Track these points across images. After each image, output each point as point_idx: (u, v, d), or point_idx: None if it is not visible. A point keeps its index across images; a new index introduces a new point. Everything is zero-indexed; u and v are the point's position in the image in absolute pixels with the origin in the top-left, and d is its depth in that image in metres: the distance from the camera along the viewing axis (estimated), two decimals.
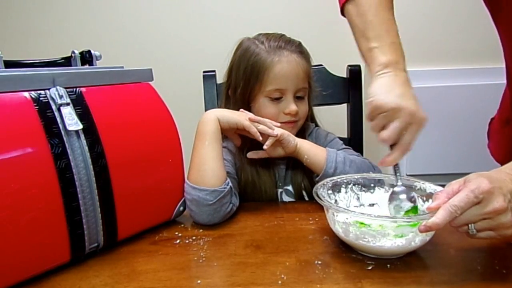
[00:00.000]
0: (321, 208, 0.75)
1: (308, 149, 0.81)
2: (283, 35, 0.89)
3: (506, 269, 0.54)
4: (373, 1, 0.69)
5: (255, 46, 0.86)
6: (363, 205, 0.71)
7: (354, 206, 0.71)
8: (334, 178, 0.71)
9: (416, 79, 1.37)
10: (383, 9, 0.68)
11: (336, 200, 0.70)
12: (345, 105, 1.10)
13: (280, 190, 0.90)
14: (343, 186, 0.71)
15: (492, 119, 0.95)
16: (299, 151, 0.81)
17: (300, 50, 0.87)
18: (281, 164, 0.90)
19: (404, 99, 0.62)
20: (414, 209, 0.63)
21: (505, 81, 0.85)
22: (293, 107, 0.84)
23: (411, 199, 0.64)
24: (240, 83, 0.86)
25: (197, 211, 0.71)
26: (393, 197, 0.65)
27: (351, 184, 0.71)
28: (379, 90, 0.63)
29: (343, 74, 1.10)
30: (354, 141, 1.06)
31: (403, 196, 0.64)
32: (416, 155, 1.41)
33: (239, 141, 0.84)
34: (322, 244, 0.64)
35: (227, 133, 0.80)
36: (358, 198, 0.71)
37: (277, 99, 0.84)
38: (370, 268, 0.56)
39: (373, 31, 0.68)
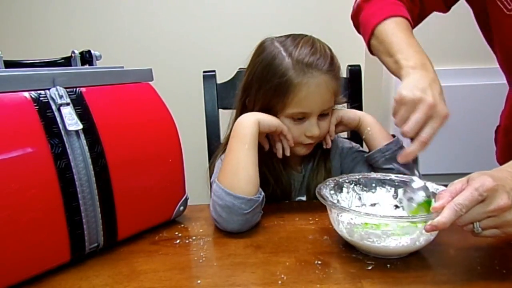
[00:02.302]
0: (321, 208, 0.75)
1: (373, 122, 0.83)
2: (314, 43, 0.78)
3: (506, 269, 0.54)
4: (389, 28, 0.74)
5: (281, 57, 0.76)
6: (365, 205, 0.71)
7: (356, 206, 0.71)
8: (336, 178, 0.71)
9: None
10: (399, 31, 0.73)
11: (338, 200, 0.70)
12: (345, 105, 1.10)
13: (292, 200, 0.88)
14: (345, 186, 0.71)
15: (498, 126, 0.95)
16: (362, 123, 0.83)
17: (331, 68, 0.77)
18: (298, 174, 0.89)
19: (427, 92, 0.63)
20: (427, 203, 0.63)
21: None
22: (315, 131, 0.77)
23: (426, 194, 0.64)
24: (260, 100, 0.78)
25: (228, 218, 0.67)
26: (407, 190, 0.66)
27: (353, 184, 0.71)
28: (404, 86, 0.65)
29: (343, 74, 1.10)
30: (354, 140, 1.06)
31: (417, 189, 0.65)
32: (418, 155, 1.41)
33: (268, 144, 0.81)
34: (322, 244, 0.64)
35: (259, 136, 0.75)
36: (359, 198, 0.71)
37: (299, 119, 0.78)
38: (370, 268, 0.56)
39: (395, 47, 0.72)
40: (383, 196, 0.70)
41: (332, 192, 0.69)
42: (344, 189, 0.71)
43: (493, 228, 0.53)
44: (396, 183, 0.70)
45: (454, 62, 1.40)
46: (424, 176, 0.69)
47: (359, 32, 0.85)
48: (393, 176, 0.71)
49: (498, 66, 0.86)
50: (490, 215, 0.51)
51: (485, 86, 1.36)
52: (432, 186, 0.65)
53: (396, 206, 0.69)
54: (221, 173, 0.71)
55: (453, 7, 0.86)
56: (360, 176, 0.72)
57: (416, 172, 0.70)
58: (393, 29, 0.73)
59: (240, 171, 0.69)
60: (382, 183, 0.71)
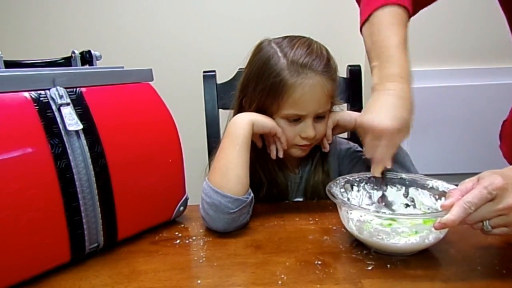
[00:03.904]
0: (321, 208, 0.75)
1: None
2: (310, 44, 0.78)
3: (506, 269, 0.54)
4: (383, 20, 0.69)
5: (276, 58, 0.76)
6: (375, 203, 0.71)
7: (366, 204, 0.71)
8: (347, 176, 0.71)
9: (425, 79, 1.38)
10: (390, 26, 0.69)
11: (348, 198, 0.70)
12: (345, 105, 1.10)
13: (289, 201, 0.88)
14: (355, 184, 0.71)
15: (504, 120, 0.95)
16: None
17: (326, 69, 0.76)
18: (295, 176, 0.88)
19: (378, 115, 0.65)
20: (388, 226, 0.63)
21: None
22: (310, 132, 0.77)
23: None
24: (255, 100, 0.78)
25: (215, 217, 0.67)
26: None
27: (363, 183, 0.72)
28: (372, 113, 0.67)
29: (343, 74, 1.10)
30: (354, 140, 1.06)
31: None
32: (424, 155, 1.41)
33: (261, 143, 0.81)
34: (322, 244, 0.64)
35: (253, 135, 0.75)
36: (370, 197, 0.72)
37: (295, 121, 0.77)
38: (370, 268, 0.56)
39: (374, 51, 0.70)
40: (394, 195, 0.71)
41: (342, 190, 0.69)
42: (355, 188, 0.71)
43: (503, 227, 0.53)
44: (407, 182, 0.70)
45: (456, 62, 1.40)
46: (432, 176, 0.69)
47: (358, 3, 0.79)
48: (404, 175, 0.71)
49: (505, 66, 0.85)
50: (500, 213, 0.51)
51: (489, 86, 1.36)
52: (442, 185, 0.66)
53: (407, 205, 0.70)
54: (211, 171, 0.71)
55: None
56: (371, 174, 0.71)
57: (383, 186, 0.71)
58: (384, 24, 0.69)
59: (230, 171, 0.69)
60: (393, 182, 0.71)
